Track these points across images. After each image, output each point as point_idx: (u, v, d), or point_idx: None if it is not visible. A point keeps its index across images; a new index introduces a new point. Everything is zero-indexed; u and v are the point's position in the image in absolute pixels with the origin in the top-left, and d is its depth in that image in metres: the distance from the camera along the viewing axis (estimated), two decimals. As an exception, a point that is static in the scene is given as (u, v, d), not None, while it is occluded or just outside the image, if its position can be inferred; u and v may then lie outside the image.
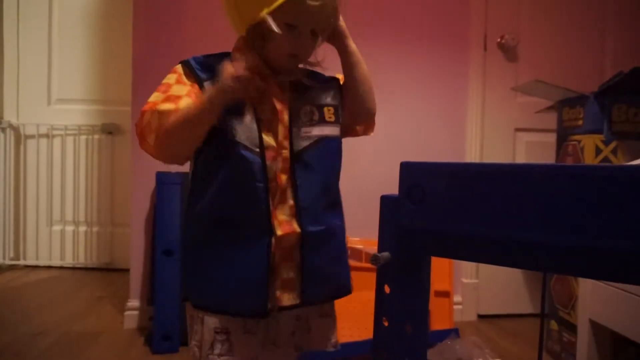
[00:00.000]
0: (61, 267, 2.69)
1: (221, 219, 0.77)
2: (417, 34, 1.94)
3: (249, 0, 0.75)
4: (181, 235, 0.83)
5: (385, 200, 0.60)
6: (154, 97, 0.75)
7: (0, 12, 2.70)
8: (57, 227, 2.71)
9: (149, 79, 1.80)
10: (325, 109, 0.82)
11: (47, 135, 2.69)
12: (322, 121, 0.81)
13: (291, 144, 0.78)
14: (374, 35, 1.88)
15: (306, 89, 0.82)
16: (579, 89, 1.56)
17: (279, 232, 0.77)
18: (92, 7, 2.72)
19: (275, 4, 0.71)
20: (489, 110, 2.02)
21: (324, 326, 0.88)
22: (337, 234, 0.85)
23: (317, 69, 0.86)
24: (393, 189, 0.57)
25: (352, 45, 0.84)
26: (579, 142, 1.53)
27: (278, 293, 0.79)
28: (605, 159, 1.46)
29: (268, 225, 0.76)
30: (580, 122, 1.54)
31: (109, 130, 2.69)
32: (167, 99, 0.74)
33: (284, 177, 0.78)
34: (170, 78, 0.77)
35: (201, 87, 0.76)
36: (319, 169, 0.80)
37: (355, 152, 1.89)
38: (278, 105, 0.78)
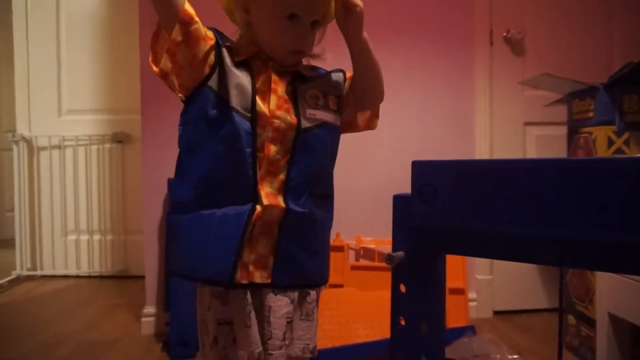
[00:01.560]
0: (77, 276, 2.72)
1: (209, 182, 0.78)
2: (422, 31, 1.94)
3: None
4: (170, 202, 0.83)
5: (397, 200, 0.60)
6: None
7: (9, 27, 2.75)
8: (71, 237, 2.75)
9: (158, 87, 1.81)
10: (330, 97, 0.84)
11: (59, 146, 2.73)
12: (326, 107, 0.83)
13: (298, 121, 0.79)
14: (378, 33, 1.88)
15: (311, 77, 0.84)
16: (588, 81, 1.55)
17: (265, 202, 0.77)
18: (99, 18, 2.75)
19: None
20: (497, 105, 2.01)
21: (303, 329, 0.86)
22: (318, 224, 0.84)
23: (318, 62, 0.87)
24: (404, 187, 0.57)
25: (364, 34, 0.85)
26: (591, 134, 1.52)
27: (251, 268, 0.78)
28: (618, 151, 1.45)
29: (253, 192, 0.77)
30: (590, 114, 1.52)
31: (120, 139, 2.72)
32: None
33: (272, 148, 0.78)
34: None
35: (218, 45, 0.78)
36: (317, 152, 0.81)
37: (366, 151, 1.89)
38: (274, 77, 0.79)
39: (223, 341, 0.80)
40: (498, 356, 1.34)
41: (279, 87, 0.80)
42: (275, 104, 0.78)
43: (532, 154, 2.04)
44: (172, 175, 1.78)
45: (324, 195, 0.85)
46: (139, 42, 1.81)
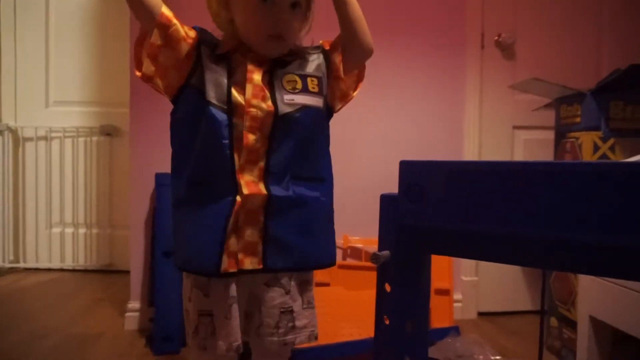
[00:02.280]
0: (61, 270, 2.69)
1: (195, 178, 0.80)
2: (414, 33, 1.95)
3: None
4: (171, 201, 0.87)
5: (384, 199, 0.60)
6: None
7: (-3, 15, 2.70)
8: (56, 230, 2.71)
9: (147, 81, 1.80)
10: (309, 79, 0.83)
11: (45, 138, 2.69)
12: (306, 90, 0.82)
13: (276, 108, 0.79)
14: (371, 35, 1.88)
15: (288, 61, 0.83)
16: (576, 87, 1.57)
17: (245, 191, 0.78)
18: (88, 9, 2.71)
19: None
20: (486, 108, 2.03)
21: (308, 318, 0.87)
22: (309, 204, 0.83)
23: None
24: (391, 187, 0.57)
25: None
26: (577, 139, 1.54)
27: (240, 256, 0.80)
28: (604, 156, 1.47)
29: (233, 183, 0.78)
30: (577, 120, 1.54)
31: (107, 132, 2.68)
32: None
33: (251, 137, 0.78)
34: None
35: (199, 43, 0.80)
36: (296, 136, 0.81)
37: (355, 150, 1.89)
38: (249, 66, 0.80)
39: (203, 331, 0.82)
40: (481, 357, 1.35)
41: (255, 76, 0.79)
42: (250, 93, 0.78)
43: (519, 157, 2.07)
44: (160, 169, 1.78)
45: (314, 179, 0.85)
46: (129, 34, 1.79)
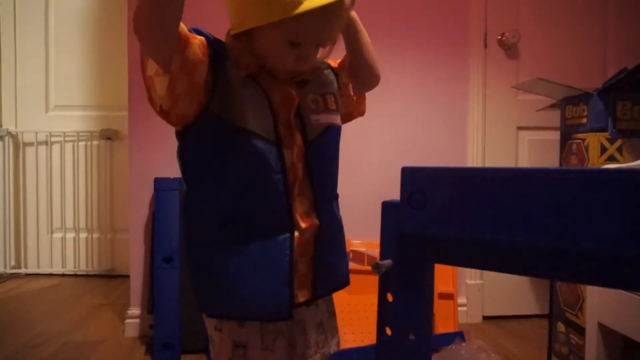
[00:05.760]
0: (62, 275, 2.68)
1: (236, 218, 0.71)
2: (416, 34, 1.93)
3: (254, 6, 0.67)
4: (185, 241, 0.77)
5: (386, 206, 0.58)
6: None
7: (-3, 19, 2.70)
8: (57, 235, 2.70)
9: (146, 84, 1.79)
10: (328, 96, 0.79)
11: (45, 142, 2.68)
12: (327, 109, 0.78)
13: (304, 132, 0.74)
14: (372, 36, 1.86)
15: (308, 80, 0.78)
16: (581, 86, 1.54)
17: (302, 225, 0.73)
18: (87, 14, 2.71)
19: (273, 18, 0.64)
20: (490, 108, 2.00)
21: (334, 326, 0.88)
22: (342, 226, 0.84)
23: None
24: (394, 190, 0.55)
25: (355, 15, 0.81)
26: (584, 140, 1.51)
27: (296, 291, 0.74)
28: (611, 157, 1.44)
29: (289, 219, 0.72)
30: (584, 120, 1.51)
31: (107, 135, 2.68)
32: None
33: (299, 166, 0.73)
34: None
35: (214, 60, 0.68)
36: (329, 158, 0.79)
37: (357, 153, 1.87)
38: (290, 89, 0.73)
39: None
40: (487, 364, 1.33)
41: (295, 101, 0.73)
42: (294, 121, 0.73)
43: (524, 158, 2.04)
44: (159, 174, 1.76)
45: (337, 197, 0.84)
46: (127, 38, 1.78)
